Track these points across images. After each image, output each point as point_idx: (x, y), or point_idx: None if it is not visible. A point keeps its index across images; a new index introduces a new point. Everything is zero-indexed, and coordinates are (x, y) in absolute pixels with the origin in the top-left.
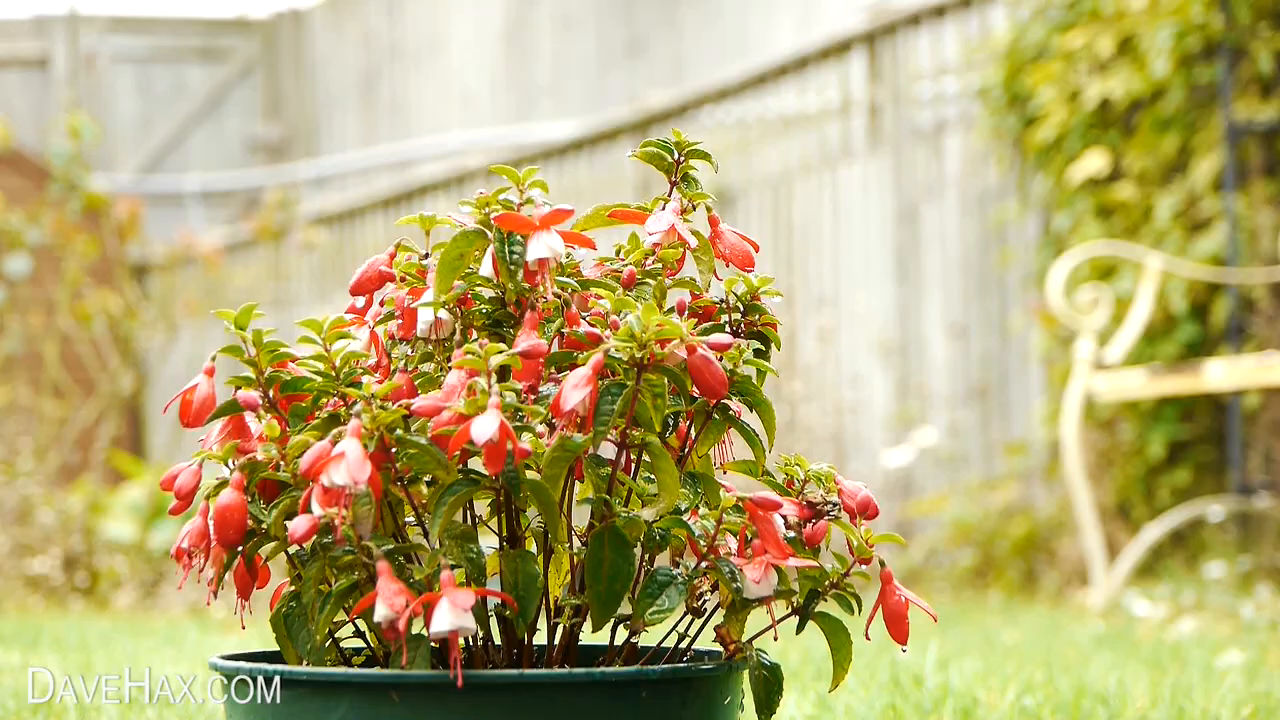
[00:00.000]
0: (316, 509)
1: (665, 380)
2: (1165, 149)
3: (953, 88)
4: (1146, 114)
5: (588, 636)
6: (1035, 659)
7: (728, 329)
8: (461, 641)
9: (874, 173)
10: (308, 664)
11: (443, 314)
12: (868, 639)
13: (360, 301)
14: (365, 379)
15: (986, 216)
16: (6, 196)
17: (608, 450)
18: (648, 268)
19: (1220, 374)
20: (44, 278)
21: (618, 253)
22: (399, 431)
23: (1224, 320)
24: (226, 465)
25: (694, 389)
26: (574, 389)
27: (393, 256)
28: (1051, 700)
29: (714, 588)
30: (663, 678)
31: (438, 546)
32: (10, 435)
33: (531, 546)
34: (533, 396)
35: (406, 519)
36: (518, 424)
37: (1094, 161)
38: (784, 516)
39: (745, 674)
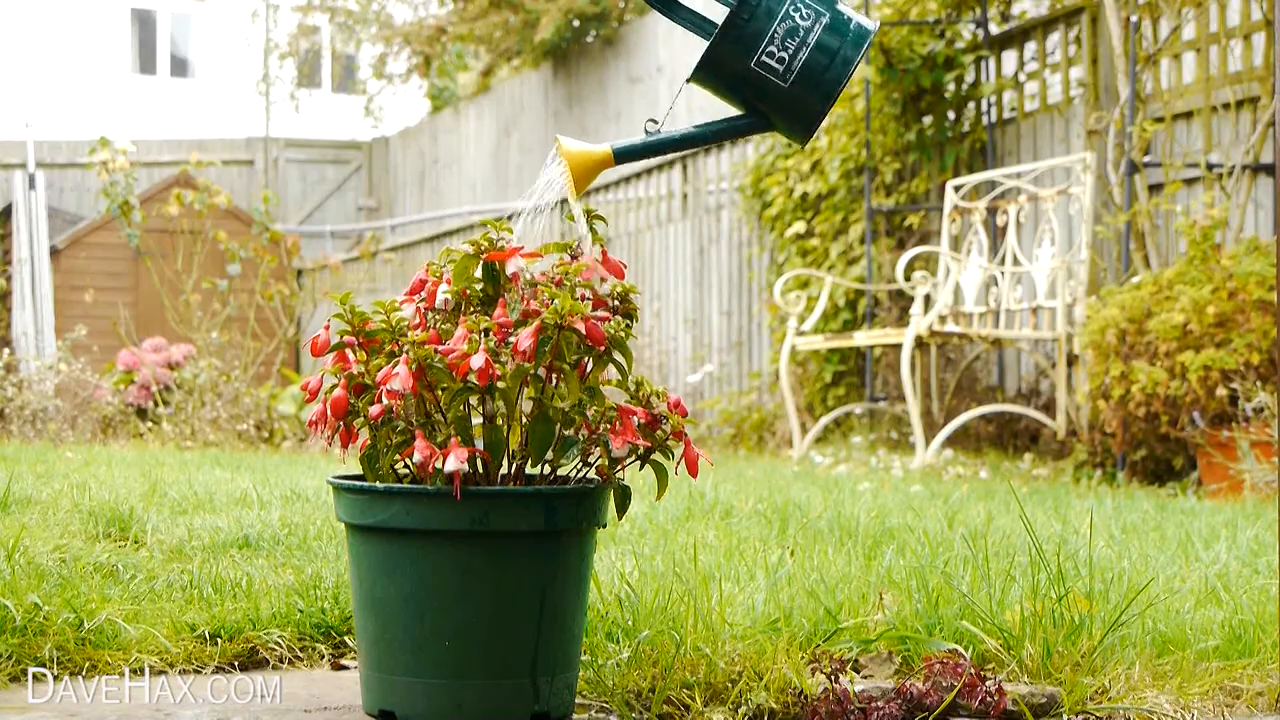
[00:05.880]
0: (384, 400)
1: (574, 336)
2: (835, 220)
3: (726, 185)
4: (827, 202)
5: (531, 470)
6: (763, 485)
7: (608, 310)
8: (461, 472)
9: (684, 230)
10: (378, 482)
11: (449, 298)
12: (675, 474)
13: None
14: (413, 333)
15: (742, 254)
16: (229, 233)
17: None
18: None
19: (862, 338)
20: (248, 276)
21: (554, 268)
22: (429, 360)
23: (864, 311)
24: (335, 377)
25: (590, 341)
26: (526, 338)
27: (428, 269)
28: (771, 505)
29: (597, 447)
30: (569, 492)
31: (450, 424)
32: (229, 358)
33: (500, 422)
34: (502, 343)
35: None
36: (493, 356)
37: (798, 226)
38: (636, 415)
39: (610, 491)
